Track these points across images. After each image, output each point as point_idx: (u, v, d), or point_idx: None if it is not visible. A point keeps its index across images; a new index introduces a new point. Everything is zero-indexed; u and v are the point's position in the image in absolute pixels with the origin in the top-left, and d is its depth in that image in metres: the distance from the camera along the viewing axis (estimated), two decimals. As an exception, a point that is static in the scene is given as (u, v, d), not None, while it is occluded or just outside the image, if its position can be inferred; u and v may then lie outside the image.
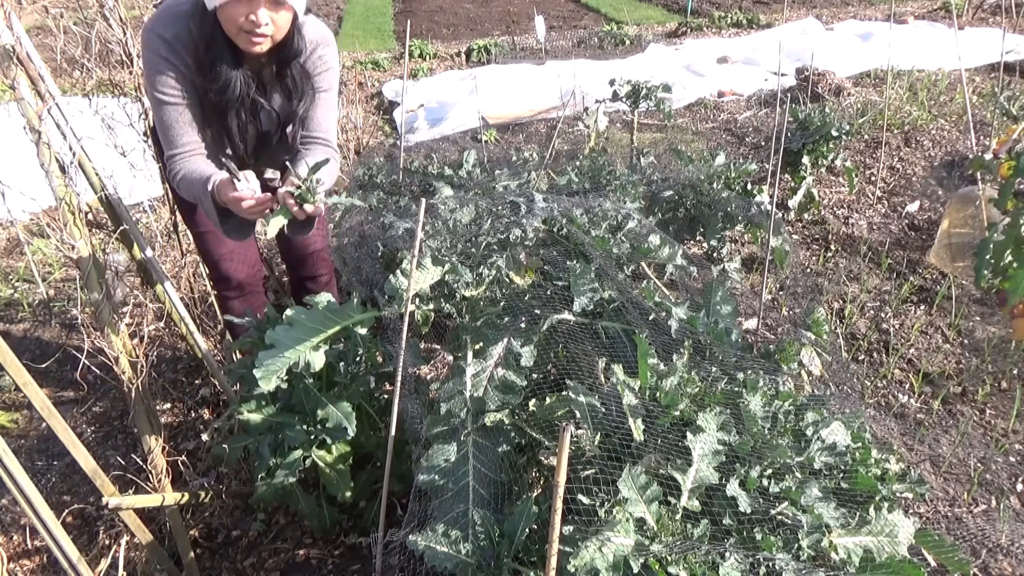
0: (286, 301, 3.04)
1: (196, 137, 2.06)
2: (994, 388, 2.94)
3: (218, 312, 3.20)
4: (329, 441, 2.09)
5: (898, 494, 1.73)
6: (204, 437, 2.73)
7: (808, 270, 3.86)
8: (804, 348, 2.21)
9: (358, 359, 2.21)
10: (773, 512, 1.53)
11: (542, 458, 1.97)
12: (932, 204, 4.44)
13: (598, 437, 1.66)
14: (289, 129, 2.25)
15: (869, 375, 3.03)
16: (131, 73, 2.48)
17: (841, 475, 1.66)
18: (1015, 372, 3.02)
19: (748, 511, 1.50)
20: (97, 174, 2.22)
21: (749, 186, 3.69)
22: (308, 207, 1.81)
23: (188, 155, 2.05)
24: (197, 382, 3.08)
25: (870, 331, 3.29)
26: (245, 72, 2.04)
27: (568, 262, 2.17)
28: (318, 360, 1.92)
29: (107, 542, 2.32)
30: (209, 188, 1.93)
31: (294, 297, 2.89)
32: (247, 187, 1.90)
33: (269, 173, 2.02)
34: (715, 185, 3.51)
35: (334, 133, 2.29)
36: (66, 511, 2.39)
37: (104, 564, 1.97)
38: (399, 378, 1.87)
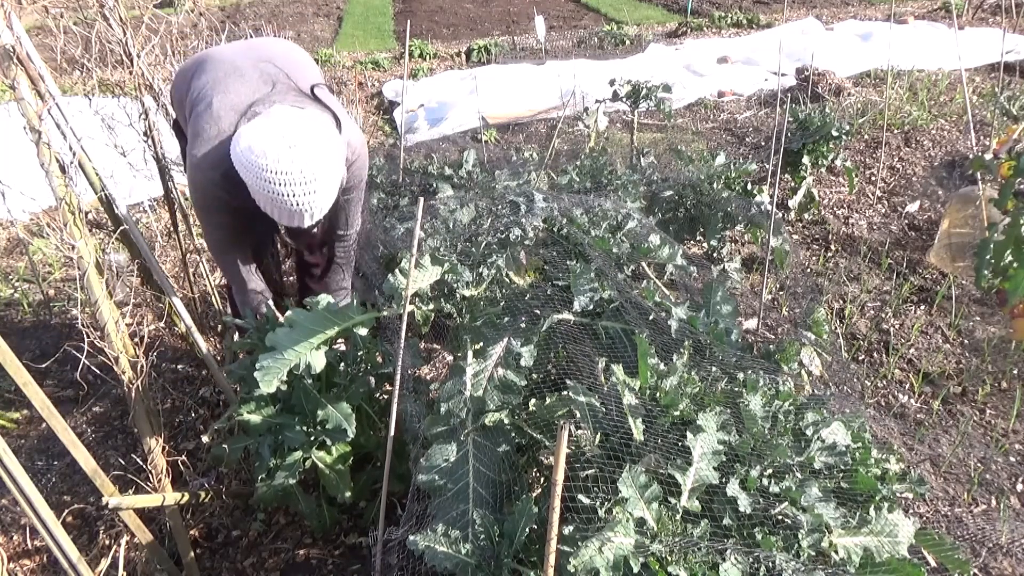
0: (287, 303, 3.04)
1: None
2: (994, 388, 2.94)
3: (218, 312, 3.21)
4: (329, 442, 2.09)
5: (898, 494, 1.73)
6: (204, 438, 2.73)
7: (808, 270, 3.86)
8: (804, 348, 2.21)
9: (358, 360, 2.20)
10: (773, 512, 1.53)
11: (542, 458, 1.97)
12: (932, 204, 4.44)
13: (598, 437, 1.66)
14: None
15: (869, 375, 3.03)
16: (131, 73, 2.48)
17: (841, 475, 1.66)
18: (1015, 372, 3.02)
19: (748, 511, 1.50)
20: (97, 174, 2.22)
21: (749, 186, 3.69)
22: None
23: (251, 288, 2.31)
24: (197, 382, 3.08)
25: (870, 331, 3.29)
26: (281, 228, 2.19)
27: (568, 262, 2.17)
28: (319, 361, 1.92)
29: (107, 542, 2.32)
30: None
31: (298, 282, 2.92)
32: None
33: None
34: (715, 185, 3.51)
35: (358, 223, 2.46)
36: (66, 511, 2.39)
37: (104, 564, 1.98)
38: (398, 378, 1.87)
